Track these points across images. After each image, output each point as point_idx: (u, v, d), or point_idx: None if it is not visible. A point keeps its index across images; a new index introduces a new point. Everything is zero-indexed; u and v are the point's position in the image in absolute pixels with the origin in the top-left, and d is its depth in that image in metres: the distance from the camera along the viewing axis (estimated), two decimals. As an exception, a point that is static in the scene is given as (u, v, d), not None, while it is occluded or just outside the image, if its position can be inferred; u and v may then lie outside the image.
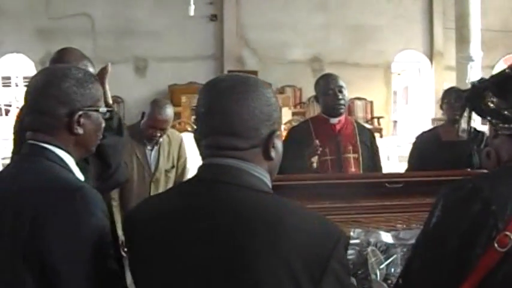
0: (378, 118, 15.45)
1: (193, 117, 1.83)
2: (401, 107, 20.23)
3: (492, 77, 2.11)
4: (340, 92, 4.55)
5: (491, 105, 2.01)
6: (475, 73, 12.52)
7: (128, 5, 15.21)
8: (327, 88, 4.57)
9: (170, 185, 5.17)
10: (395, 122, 18.09)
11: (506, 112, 1.97)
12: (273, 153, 1.77)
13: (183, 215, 1.70)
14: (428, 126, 14.61)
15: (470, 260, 1.85)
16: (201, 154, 1.83)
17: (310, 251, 1.59)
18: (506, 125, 1.98)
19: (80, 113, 2.13)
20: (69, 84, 2.13)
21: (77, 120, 2.13)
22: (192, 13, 13.42)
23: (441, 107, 5.28)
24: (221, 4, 15.70)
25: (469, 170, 4.10)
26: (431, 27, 16.57)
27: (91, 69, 3.39)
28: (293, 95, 15.35)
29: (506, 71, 2.05)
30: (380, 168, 4.82)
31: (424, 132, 5.54)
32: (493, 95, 2.00)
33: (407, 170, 5.18)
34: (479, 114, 2.09)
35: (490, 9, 14.62)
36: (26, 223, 1.95)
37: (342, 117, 4.64)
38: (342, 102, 4.55)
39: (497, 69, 17.62)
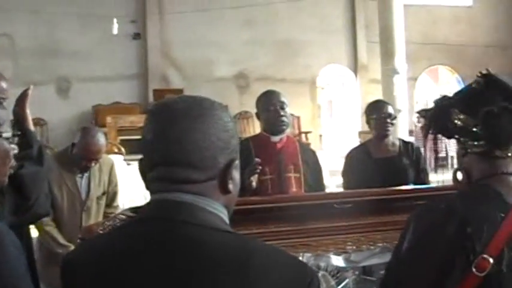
0: (306, 133, 15.51)
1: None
2: (327, 121, 20.39)
3: (457, 93, 2.03)
4: (282, 108, 4.36)
5: (459, 122, 1.93)
6: (400, 85, 12.70)
7: (51, 25, 14.99)
8: (269, 104, 4.37)
9: (101, 212, 4.94)
10: (320, 136, 18.21)
11: (475, 129, 1.90)
12: (230, 186, 1.57)
13: (133, 257, 1.50)
14: (355, 139, 14.81)
15: (448, 285, 1.78)
16: (148, 187, 1.60)
17: None
18: (475, 143, 1.91)
19: None
20: None
21: None
22: (115, 31, 13.29)
23: (368, 122, 5.07)
24: (144, 22, 15.55)
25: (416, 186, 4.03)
26: (354, 41, 16.85)
27: (3, 84, 3.26)
28: (219, 112, 15.23)
29: (473, 86, 1.97)
30: (323, 187, 4.67)
31: (353, 149, 5.26)
32: (460, 112, 1.92)
33: (344, 188, 5.06)
34: (445, 134, 2.00)
35: (411, 23, 14.79)
36: None
37: (284, 136, 4.44)
38: (284, 119, 4.36)
39: (420, 81, 18.06)
